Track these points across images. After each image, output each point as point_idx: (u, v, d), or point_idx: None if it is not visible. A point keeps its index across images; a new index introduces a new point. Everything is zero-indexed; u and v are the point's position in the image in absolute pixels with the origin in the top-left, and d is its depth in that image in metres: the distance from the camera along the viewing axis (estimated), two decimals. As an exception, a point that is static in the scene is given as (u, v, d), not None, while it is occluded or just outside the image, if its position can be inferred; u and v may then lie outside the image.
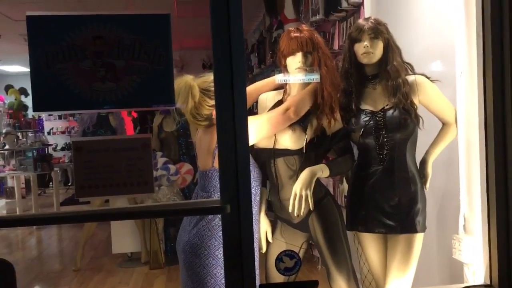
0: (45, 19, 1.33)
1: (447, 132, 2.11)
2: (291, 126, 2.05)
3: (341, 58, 2.25)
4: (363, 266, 2.26)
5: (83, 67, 1.32)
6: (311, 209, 2.04)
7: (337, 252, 2.13)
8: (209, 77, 2.06)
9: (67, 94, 1.32)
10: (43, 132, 11.10)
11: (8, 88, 9.13)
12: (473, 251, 1.85)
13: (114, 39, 1.32)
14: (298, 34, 2.06)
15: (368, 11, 3.06)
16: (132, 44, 1.33)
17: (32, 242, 6.38)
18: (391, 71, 2.07)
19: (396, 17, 2.56)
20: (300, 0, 4.60)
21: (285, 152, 2.09)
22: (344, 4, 3.51)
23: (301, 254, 2.18)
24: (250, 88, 2.24)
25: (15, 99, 8.86)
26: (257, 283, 1.64)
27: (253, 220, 1.67)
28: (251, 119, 1.85)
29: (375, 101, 2.11)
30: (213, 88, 1.72)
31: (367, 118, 2.09)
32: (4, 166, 7.97)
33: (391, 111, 2.06)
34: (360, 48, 2.06)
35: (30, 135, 9.17)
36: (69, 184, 10.09)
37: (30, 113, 9.22)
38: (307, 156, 2.07)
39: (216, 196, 1.97)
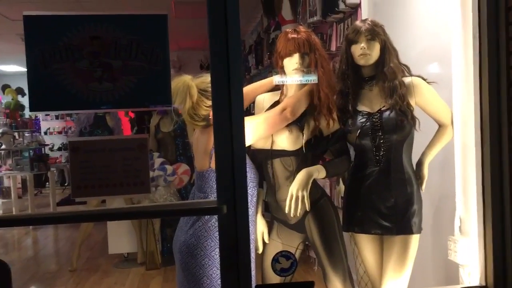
0: (42, 19, 1.33)
1: (443, 134, 2.12)
2: (288, 127, 2.06)
3: (338, 60, 2.26)
4: (359, 267, 2.26)
5: (80, 67, 1.32)
6: (308, 210, 2.04)
7: (333, 253, 2.13)
8: (207, 77, 2.06)
9: (64, 94, 1.32)
10: (40, 132, 11.08)
11: (4, 87, 9.11)
12: (469, 253, 1.86)
13: (111, 39, 1.32)
14: (295, 35, 2.06)
15: (365, 12, 3.06)
16: (129, 44, 1.33)
17: (28, 242, 6.36)
18: (388, 72, 2.07)
19: (393, 19, 2.57)
20: (297, 2, 4.60)
21: (282, 153, 2.09)
22: (342, 6, 3.51)
23: (297, 255, 2.18)
24: (247, 89, 2.25)
25: (12, 99, 8.83)
26: (253, 283, 1.64)
27: (250, 221, 1.68)
28: (248, 120, 1.86)
29: (372, 103, 2.12)
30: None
31: (363, 120, 2.09)
32: (0, 166, 7.95)
33: (387, 113, 2.07)
34: (357, 49, 2.07)
35: (26, 135, 9.15)
36: (66, 184, 10.07)
37: (27, 113, 9.19)
38: (303, 157, 2.08)
39: (213, 196, 1.97)
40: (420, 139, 2.15)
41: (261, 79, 2.37)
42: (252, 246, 2.04)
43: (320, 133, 2.10)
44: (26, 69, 1.31)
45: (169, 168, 4.34)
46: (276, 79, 2.19)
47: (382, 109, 2.08)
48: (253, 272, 1.99)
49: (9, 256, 5.54)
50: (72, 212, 1.42)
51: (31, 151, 8.29)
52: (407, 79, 2.11)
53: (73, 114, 8.08)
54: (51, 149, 11.05)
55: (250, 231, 1.76)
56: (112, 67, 1.33)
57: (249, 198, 1.94)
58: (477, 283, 1.83)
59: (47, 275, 4.84)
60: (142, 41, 1.34)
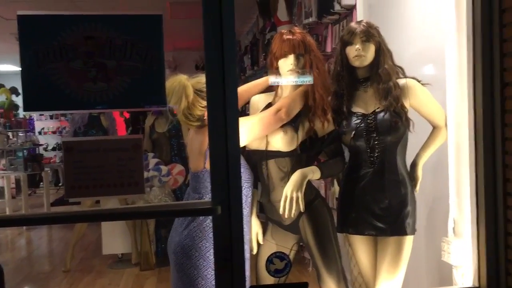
0: (37, 18, 1.33)
1: (437, 135, 2.13)
2: (283, 128, 2.06)
3: (333, 61, 2.26)
4: (353, 268, 2.27)
5: (74, 67, 1.31)
6: (302, 211, 2.04)
7: (327, 254, 2.14)
8: (203, 78, 2.05)
9: (58, 94, 1.32)
10: (34, 132, 11.03)
11: (-2, 87, 9.07)
12: (462, 254, 1.87)
13: (106, 39, 1.32)
14: (290, 37, 2.06)
15: (360, 14, 3.07)
16: (124, 45, 1.33)
17: (22, 243, 6.33)
18: (383, 74, 2.08)
19: (388, 21, 2.58)
20: (293, 3, 4.60)
21: (277, 154, 2.09)
22: (337, 7, 3.52)
23: (291, 256, 2.18)
24: (242, 89, 2.24)
25: (6, 99, 8.79)
26: (248, 284, 1.64)
27: (244, 222, 1.67)
28: (243, 120, 1.86)
29: (366, 104, 2.12)
30: (206, 89, 1.72)
31: (358, 121, 2.10)
32: (-6, 166, 7.92)
33: (382, 114, 2.07)
34: (352, 51, 2.07)
35: (20, 134, 9.11)
36: (60, 185, 10.02)
37: (21, 112, 9.15)
38: (298, 158, 2.08)
39: (208, 197, 1.97)
40: (414, 140, 2.15)
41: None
42: (246, 247, 2.03)
43: (315, 134, 2.10)
44: (20, 69, 1.31)
45: (164, 169, 4.33)
46: (271, 79, 2.19)
47: (377, 110, 2.09)
48: (247, 273, 1.98)
49: (2, 257, 5.51)
50: (66, 213, 1.42)
51: (25, 151, 8.25)
52: (401, 81, 2.11)
53: (67, 114, 8.07)
54: (45, 149, 10.99)
55: (245, 232, 1.76)
56: (106, 67, 1.32)
57: (244, 199, 1.94)
58: (470, 284, 1.84)
59: (41, 275, 4.82)
60: (137, 41, 1.34)
